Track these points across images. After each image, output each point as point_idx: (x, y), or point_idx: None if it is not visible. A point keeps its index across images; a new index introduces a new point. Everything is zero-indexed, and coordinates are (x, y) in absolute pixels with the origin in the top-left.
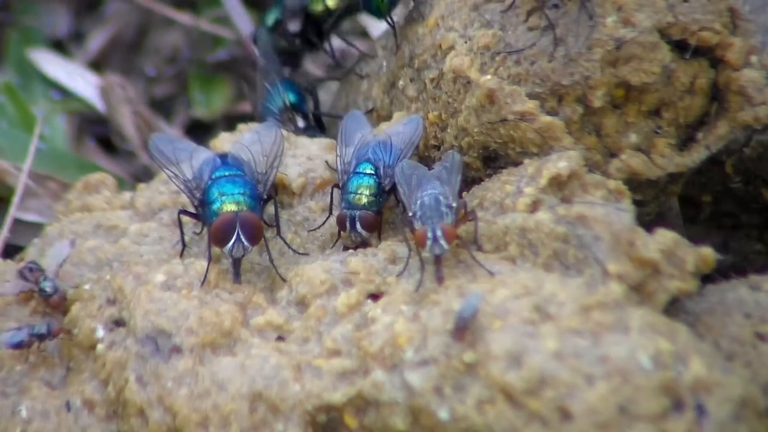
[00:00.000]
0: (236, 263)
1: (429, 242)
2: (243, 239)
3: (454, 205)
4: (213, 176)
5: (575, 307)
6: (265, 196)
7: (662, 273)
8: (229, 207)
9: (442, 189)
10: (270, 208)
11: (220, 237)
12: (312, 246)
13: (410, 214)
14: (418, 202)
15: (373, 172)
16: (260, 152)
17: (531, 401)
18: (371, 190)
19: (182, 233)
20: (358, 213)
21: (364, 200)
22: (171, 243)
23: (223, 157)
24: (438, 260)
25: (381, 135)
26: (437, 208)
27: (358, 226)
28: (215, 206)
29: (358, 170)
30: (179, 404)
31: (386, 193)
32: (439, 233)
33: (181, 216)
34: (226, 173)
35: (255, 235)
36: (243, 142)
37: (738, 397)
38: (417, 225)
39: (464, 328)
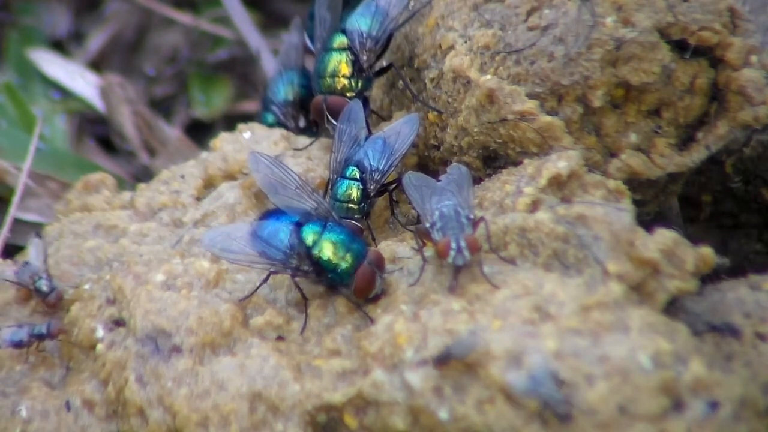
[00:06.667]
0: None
1: (453, 253)
2: (382, 275)
3: (472, 217)
4: (313, 241)
5: (575, 306)
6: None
7: (662, 273)
8: (357, 260)
9: (456, 201)
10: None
11: (370, 288)
12: None
13: (427, 224)
14: (436, 212)
15: (359, 177)
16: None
17: (531, 401)
18: (356, 197)
19: (304, 297)
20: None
21: (348, 208)
22: (171, 243)
23: (282, 215)
24: (458, 270)
25: (375, 135)
26: (457, 219)
27: None
28: (345, 267)
29: (345, 174)
30: (179, 404)
31: (373, 198)
32: (463, 244)
33: (295, 279)
34: (318, 230)
35: (384, 265)
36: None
37: (738, 397)
38: (437, 235)
39: (446, 362)
